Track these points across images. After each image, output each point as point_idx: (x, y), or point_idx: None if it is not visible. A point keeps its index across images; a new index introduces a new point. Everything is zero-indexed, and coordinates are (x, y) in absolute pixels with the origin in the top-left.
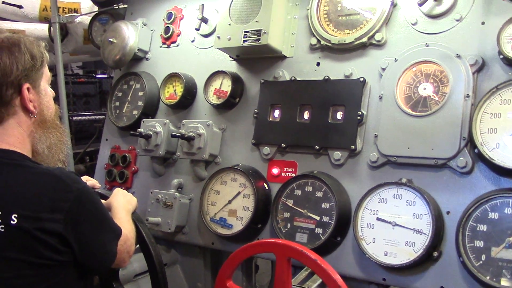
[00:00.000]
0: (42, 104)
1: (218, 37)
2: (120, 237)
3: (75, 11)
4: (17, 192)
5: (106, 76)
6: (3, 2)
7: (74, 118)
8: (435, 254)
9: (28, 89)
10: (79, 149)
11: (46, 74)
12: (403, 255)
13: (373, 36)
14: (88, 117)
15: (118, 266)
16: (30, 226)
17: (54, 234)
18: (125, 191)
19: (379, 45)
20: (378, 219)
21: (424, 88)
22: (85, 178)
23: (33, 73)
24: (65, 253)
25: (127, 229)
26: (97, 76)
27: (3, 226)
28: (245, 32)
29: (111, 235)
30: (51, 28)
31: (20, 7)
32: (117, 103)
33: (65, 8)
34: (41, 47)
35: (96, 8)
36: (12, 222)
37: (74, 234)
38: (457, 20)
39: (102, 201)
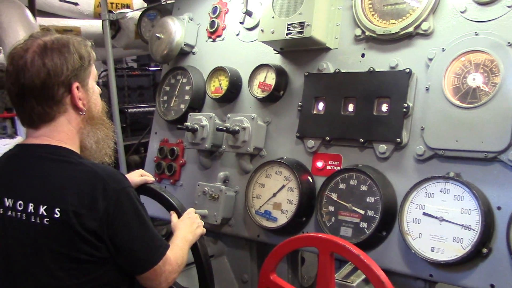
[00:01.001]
0: (90, 102)
1: (262, 31)
2: (164, 251)
3: (128, 6)
4: (61, 187)
5: (159, 68)
6: (60, 0)
7: (129, 110)
8: (485, 250)
9: (77, 87)
10: (134, 140)
11: (93, 72)
12: (451, 251)
13: (419, 25)
14: (142, 109)
15: (148, 283)
16: (71, 221)
17: (91, 231)
18: (196, 216)
19: (426, 35)
20: (424, 214)
21: (474, 79)
22: (139, 173)
23: (81, 72)
24: (103, 250)
25: (175, 254)
26: (150, 68)
27: (48, 219)
28: (288, 24)
29: (149, 242)
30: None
31: (76, 4)
32: (165, 97)
33: (118, 3)
34: (88, 46)
35: (146, 4)
36: (55, 215)
37: (108, 234)
38: (508, 7)
39: (173, 220)
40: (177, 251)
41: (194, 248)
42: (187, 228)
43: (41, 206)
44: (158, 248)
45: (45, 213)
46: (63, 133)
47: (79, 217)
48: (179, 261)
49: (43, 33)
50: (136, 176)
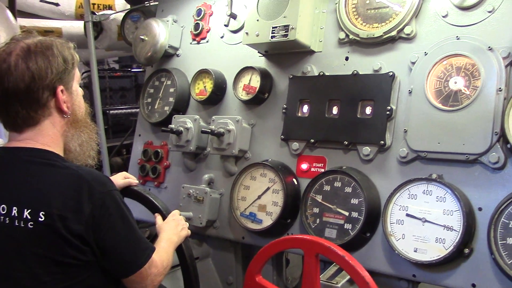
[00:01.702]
0: (74, 105)
1: (247, 33)
2: (150, 254)
3: (110, 7)
4: (45, 190)
5: (141, 70)
6: (41, 0)
7: (111, 111)
8: (466, 251)
9: (62, 91)
10: (116, 142)
11: (77, 75)
12: (433, 252)
13: (402, 29)
14: (124, 110)
15: (134, 286)
16: (56, 224)
17: (76, 234)
18: (181, 218)
19: (409, 39)
20: (407, 215)
21: (455, 82)
22: (122, 175)
23: (65, 75)
24: (88, 253)
25: (160, 257)
26: (132, 70)
27: (32, 223)
28: (273, 27)
29: (135, 245)
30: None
31: (57, 4)
32: (149, 100)
33: (100, 4)
34: (71, 49)
35: (129, 6)
36: (40, 219)
37: (94, 237)
38: (489, 12)
39: (158, 222)
40: (163, 253)
41: (179, 250)
42: (172, 230)
43: (25, 210)
44: (144, 251)
45: (29, 217)
46: (47, 136)
47: (64, 220)
48: (165, 263)
49: (25, 35)
50: (119, 179)
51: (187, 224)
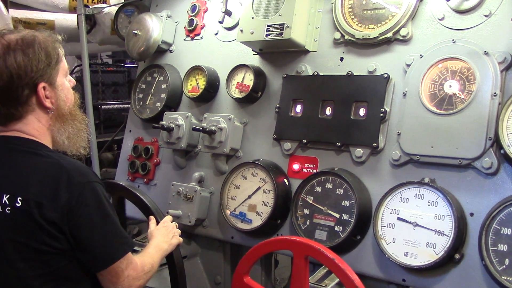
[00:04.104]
0: (59, 100)
1: (241, 31)
2: (127, 249)
3: (104, 1)
4: (25, 177)
5: (134, 65)
6: None
7: (103, 106)
8: (457, 256)
9: (44, 87)
10: (107, 137)
11: (63, 68)
12: (424, 256)
13: (398, 31)
14: (116, 105)
15: (108, 284)
16: (32, 210)
17: (51, 221)
18: (173, 225)
19: (404, 41)
20: (399, 218)
21: (450, 86)
22: None
23: (48, 71)
24: (63, 241)
25: (143, 261)
26: (125, 65)
27: (9, 208)
28: (268, 26)
29: (110, 238)
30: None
31: None
32: (141, 95)
33: None
34: (56, 42)
35: (123, 0)
36: (17, 204)
37: (69, 227)
38: (486, 16)
39: (151, 227)
40: (146, 258)
41: None
42: (162, 237)
43: (5, 195)
44: (119, 245)
45: (7, 202)
46: (33, 129)
47: (40, 207)
48: (146, 268)
49: (9, 31)
50: None
51: (179, 231)
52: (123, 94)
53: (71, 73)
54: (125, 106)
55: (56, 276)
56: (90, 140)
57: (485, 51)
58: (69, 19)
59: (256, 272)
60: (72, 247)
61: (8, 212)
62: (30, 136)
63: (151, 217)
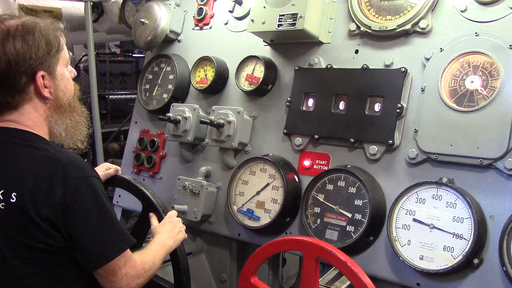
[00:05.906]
0: (58, 90)
1: (252, 21)
2: (124, 246)
3: None
4: (19, 172)
5: (142, 55)
6: None
7: (110, 96)
8: (476, 261)
9: (43, 76)
10: (114, 127)
11: (64, 57)
12: (440, 261)
13: (417, 23)
14: (123, 96)
15: (105, 283)
16: (26, 206)
17: (46, 218)
18: (178, 220)
19: (424, 33)
20: (414, 220)
21: (472, 81)
22: (104, 166)
23: (48, 60)
24: (58, 239)
25: (143, 259)
26: (133, 55)
27: (3, 204)
28: (280, 15)
29: (107, 236)
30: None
31: None
32: (147, 86)
33: None
34: (57, 31)
35: None
36: (11, 200)
37: (64, 224)
38: (511, 8)
39: (154, 224)
40: (148, 255)
41: None
42: (167, 233)
43: None
44: (117, 243)
45: (1, 198)
46: (29, 120)
47: (35, 202)
48: (147, 266)
49: (10, 16)
50: (100, 171)
51: (184, 227)
52: (131, 85)
53: (78, 62)
54: (133, 96)
55: (51, 274)
56: (95, 131)
57: (510, 45)
58: (77, 7)
59: (263, 270)
60: (68, 245)
61: (2, 208)
62: (26, 127)
63: (151, 214)
